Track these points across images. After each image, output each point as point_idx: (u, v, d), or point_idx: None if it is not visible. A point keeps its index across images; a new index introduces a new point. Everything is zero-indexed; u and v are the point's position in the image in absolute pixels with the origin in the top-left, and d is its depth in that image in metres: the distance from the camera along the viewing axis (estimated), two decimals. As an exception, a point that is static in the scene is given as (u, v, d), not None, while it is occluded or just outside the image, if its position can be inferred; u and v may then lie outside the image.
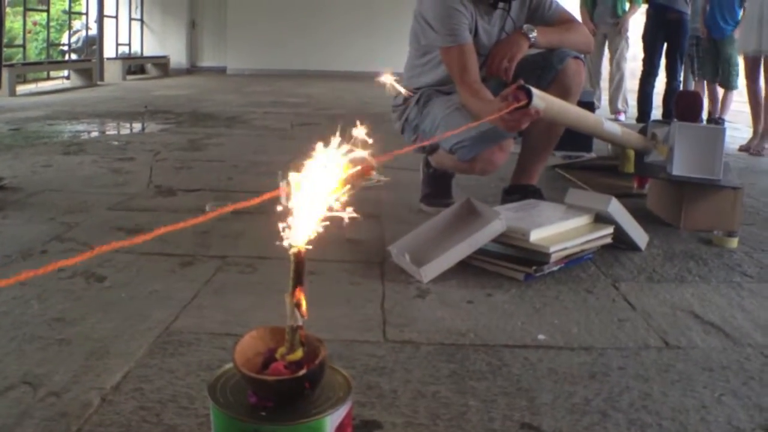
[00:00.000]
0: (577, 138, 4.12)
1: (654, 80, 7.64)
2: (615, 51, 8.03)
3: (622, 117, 7.76)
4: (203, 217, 0.91)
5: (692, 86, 7.52)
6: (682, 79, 7.62)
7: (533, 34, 2.78)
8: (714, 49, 6.83)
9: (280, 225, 0.98)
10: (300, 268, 1.03)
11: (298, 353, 1.06)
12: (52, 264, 0.73)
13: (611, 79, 8.13)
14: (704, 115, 6.58)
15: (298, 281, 1.04)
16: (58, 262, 0.75)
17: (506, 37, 2.85)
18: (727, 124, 6.08)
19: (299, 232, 0.99)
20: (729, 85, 6.78)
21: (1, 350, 1.66)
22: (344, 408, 1.06)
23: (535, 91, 2.43)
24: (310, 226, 0.98)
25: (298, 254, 1.02)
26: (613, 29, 7.94)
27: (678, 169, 2.97)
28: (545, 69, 2.85)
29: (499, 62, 2.78)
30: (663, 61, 7.58)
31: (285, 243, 1.00)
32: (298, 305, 1.04)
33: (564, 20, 2.97)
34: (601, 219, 2.51)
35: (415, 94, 3.02)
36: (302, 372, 1.03)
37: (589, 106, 4.81)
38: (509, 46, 2.79)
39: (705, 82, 7.13)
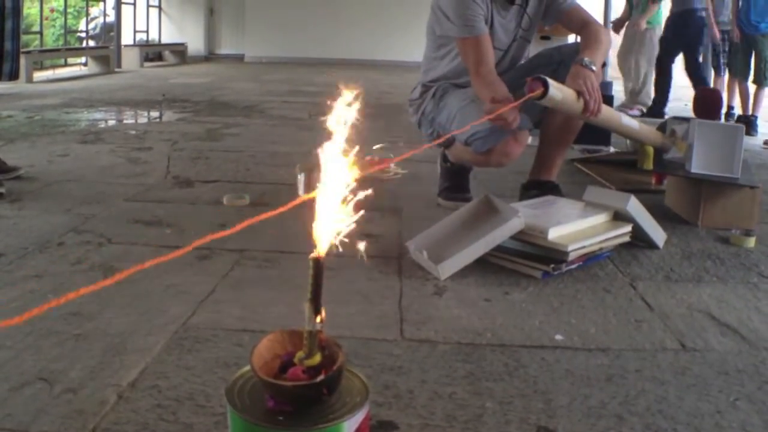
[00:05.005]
0: (595, 132, 4.10)
1: (665, 81, 7.50)
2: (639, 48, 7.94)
3: (635, 111, 7.62)
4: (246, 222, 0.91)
5: (713, 83, 7.43)
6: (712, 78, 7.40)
7: (594, 67, 2.63)
8: (746, 46, 6.66)
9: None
10: (319, 273, 1.03)
11: (317, 358, 1.06)
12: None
13: (637, 76, 8.04)
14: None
15: (317, 287, 1.04)
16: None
17: (578, 74, 2.61)
18: (759, 122, 6.01)
19: (320, 237, 0.99)
20: (763, 83, 6.60)
21: (18, 345, 1.67)
22: (361, 413, 1.06)
23: (551, 81, 2.42)
24: (331, 229, 0.99)
25: (317, 260, 1.02)
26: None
27: (696, 167, 2.95)
28: (561, 63, 2.83)
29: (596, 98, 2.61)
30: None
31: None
32: (317, 311, 1.04)
33: (578, 18, 2.89)
34: (620, 217, 2.50)
35: (432, 88, 3.02)
36: (320, 378, 1.03)
37: (608, 100, 4.78)
38: (589, 79, 2.59)
39: (737, 79, 6.98)
